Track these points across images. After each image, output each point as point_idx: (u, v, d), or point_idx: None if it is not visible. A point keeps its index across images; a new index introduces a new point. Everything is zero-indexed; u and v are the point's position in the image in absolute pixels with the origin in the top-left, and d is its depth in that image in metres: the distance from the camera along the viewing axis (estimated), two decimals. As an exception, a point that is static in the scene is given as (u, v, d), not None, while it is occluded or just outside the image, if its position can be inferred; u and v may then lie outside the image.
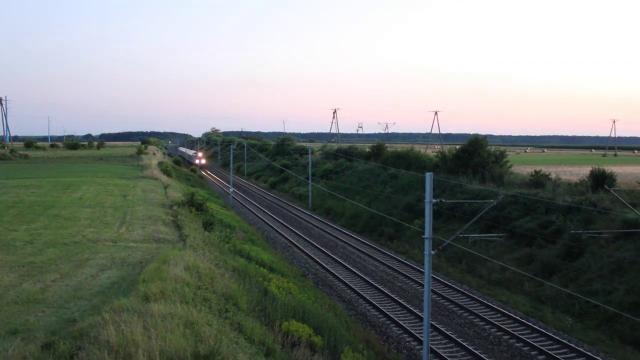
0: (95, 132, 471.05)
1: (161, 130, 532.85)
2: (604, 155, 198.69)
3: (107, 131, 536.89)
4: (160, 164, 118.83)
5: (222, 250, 38.56)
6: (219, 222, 53.40)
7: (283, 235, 61.33)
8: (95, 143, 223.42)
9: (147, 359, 15.43)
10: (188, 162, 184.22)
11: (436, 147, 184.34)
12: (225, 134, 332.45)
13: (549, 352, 29.51)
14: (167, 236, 39.94)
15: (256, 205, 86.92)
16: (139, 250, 34.43)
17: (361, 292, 40.09)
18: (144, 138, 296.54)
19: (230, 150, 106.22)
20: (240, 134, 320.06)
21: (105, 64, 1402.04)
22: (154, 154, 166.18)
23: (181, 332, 18.11)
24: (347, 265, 47.94)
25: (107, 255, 32.71)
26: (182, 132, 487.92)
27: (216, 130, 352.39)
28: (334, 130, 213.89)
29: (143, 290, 22.35)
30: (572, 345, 30.50)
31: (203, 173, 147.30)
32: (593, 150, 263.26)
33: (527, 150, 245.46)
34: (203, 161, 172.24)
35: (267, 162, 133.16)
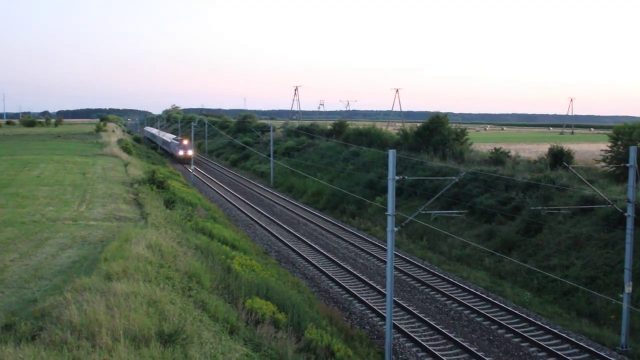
0: (53, 109, 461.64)
1: (120, 107, 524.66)
2: (561, 133, 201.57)
3: (64, 108, 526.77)
4: (120, 141, 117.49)
5: (184, 228, 38.36)
6: (180, 200, 53.04)
7: (245, 213, 61.21)
8: (53, 120, 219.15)
9: (111, 339, 15.32)
10: (163, 149, 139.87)
11: (397, 124, 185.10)
12: (186, 111, 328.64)
13: (509, 326, 30.06)
14: (128, 214, 39.58)
15: (218, 183, 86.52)
16: (99, 229, 34.08)
17: (324, 269, 40.29)
18: (103, 115, 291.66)
19: (191, 128, 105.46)
20: (201, 111, 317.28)
21: (62, 40, 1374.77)
22: (114, 131, 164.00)
23: (145, 311, 18.01)
24: (309, 243, 48.09)
25: (67, 234, 32.32)
26: (142, 109, 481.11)
27: (176, 107, 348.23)
28: (295, 108, 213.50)
29: (105, 269, 22.15)
30: (531, 319, 31.10)
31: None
32: (551, 128, 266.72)
33: (487, 128, 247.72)
34: (190, 152, 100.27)
35: (228, 139, 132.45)
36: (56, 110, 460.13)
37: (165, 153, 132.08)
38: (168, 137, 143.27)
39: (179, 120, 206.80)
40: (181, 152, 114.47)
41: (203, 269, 26.93)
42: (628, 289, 27.44)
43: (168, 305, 19.51)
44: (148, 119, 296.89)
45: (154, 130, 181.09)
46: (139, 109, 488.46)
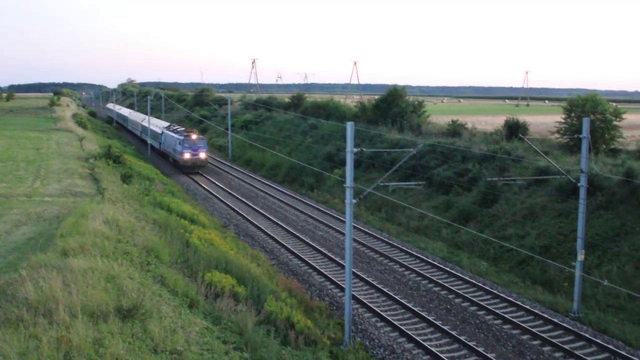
0: (3, 84, 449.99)
1: (75, 81, 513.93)
2: (517, 106, 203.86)
3: (16, 82, 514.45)
4: (74, 115, 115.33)
5: (141, 203, 38.04)
6: (137, 175, 52.53)
7: (203, 187, 60.84)
8: (4, 95, 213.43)
9: (69, 315, 15.19)
10: (143, 139, 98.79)
11: (355, 97, 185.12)
12: (142, 84, 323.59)
13: (465, 295, 30.57)
14: (84, 190, 39.05)
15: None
16: (55, 205, 33.58)
17: (283, 242, 40.35)
18: (57, 89, 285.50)
19: (148, 102, 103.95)
20: (158, 84, 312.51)
21: (12, 12, 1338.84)
22: (68, 105, 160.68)
23: (103, 286, 17.90)
24: (268, 216, 48.07)
25: (21, 211, 31.79)
26: (96, 83, 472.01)
27: (132, 81, 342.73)
28: (253, 81, 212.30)
29: (61, 245, 21.90)
30: (487, 287, 31.66)
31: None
32: (507, 100, 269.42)
33: (444, 101, 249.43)
34: (203, 154, 72.09)
35: (185, 113, 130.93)
36: (7, 84, 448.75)
37: (153, 149, 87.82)
38: (158, 125, 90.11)
39: (134, 93, 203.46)
40: (188, 155, 69.86)
41: (161, 244, 26.81)
42: (580, 257, 28.08)
43: (126, 280, 19.41)
44: (103, 92, 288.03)
45: (124, 110, 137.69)
46: (93, 82, 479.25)
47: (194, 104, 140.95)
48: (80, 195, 37.03)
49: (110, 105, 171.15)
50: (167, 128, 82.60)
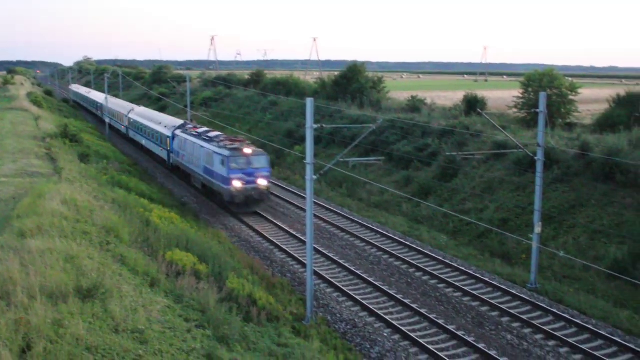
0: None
1: (28, 59, 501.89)
2: (476, 81, 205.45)
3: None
4: (29, 94, 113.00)
5: (100, 182, 37.59)
6: (95, 154, 51.83)
7: (163, 166, 60.26)
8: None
9: (27, 297, 15.00)
10: (138, 143, 70.04)
11: (315, 74, 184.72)
12: (99, 62, 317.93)
13: (426, 268, 30.95)
14: (40, 170, 38.39)
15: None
16: (11, 186, 32.96)
17: (244, 219, 40.27)
18: (10, 67, 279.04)
19: (105, 80, 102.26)
20: (115, 62, 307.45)
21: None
22: (22, 84, 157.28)
23: (61, 267, 17.69)
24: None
25: (-24, 192, 31.14)
26: (52, 61, 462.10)
27: (89, 59, 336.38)
28: (212, 58, 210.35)
29: (18, 226, 21.55)
30: (447, 261, 32.07)
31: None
32: (466, 76, 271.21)
33: (404, 77, 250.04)
34: (264, 180, 41.53)
35: (144, 90, 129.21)
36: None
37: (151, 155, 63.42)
38: (163, 122, 60.42)
39: (91, 72, 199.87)
40: (239, 183, 40.86)
41: (121, 223, 26.56)
42: (538, 229, 28.58)
43: (86, 260, 19.22)
44: (59, 71, 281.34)
45: (95, 95, 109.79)
46: (48, 60, 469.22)
47: (152, 82, 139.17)
48: (36, 175, 36.40)
49: (74, 87, 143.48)
50: (184, 130, 51.89)
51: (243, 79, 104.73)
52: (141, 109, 74.92)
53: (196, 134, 48.64)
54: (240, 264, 29.53)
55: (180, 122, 56.82)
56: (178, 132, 52.33)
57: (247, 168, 40.52)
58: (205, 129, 50.72)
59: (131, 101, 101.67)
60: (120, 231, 25.21)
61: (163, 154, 57.00)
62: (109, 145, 66.04)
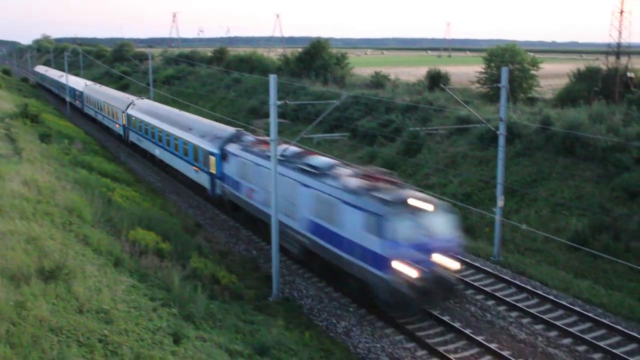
0: None
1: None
2: (439, 57, 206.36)
3: None
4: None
5: (62, 163, 37.08)
6: (56, 134, 51.03)
7: (125, 144, 59.58)
8: None
9: (-12, 278, 14.81)
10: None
11: (279, 50, 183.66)
12: (58, 40, 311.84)
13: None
14: (0, 150, 37.72)
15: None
16: (-31, 167, 32.34)
17: (209, 198, 40.08)
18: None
19: (64, 58, 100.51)
20: (75, 40, 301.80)
21: None
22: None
23: (23, 248, 17.49)
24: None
25: None
26: (8, 39, 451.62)
27: (48, 36, 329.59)
28: (174, 35, 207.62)
29: (-23, 207, 21.20)
30: (411, 236, 32.08)
31: None
32: (429, 51, 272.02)
33: (367, 53, 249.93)
34: (454, 263, 22.15)
35: (105, 69, 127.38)
36: None
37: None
38: (203, 128, 40.44)
39: (50, 50, 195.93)
40: (409, 268, 20.95)
41: (83, 203, 26.28)
42: (500, 202, 28.92)
43: (48, 241, 19.01)
44: (17, 49, 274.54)
45: (72, 81, 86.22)
46: (6, 39, 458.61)
47: (113, 60, 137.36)
48: (-5, 156, 35.76)
49: (41, 69, 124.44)
50: (244, 146, 33.89)
51: (206, 57, 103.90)
52: (145, 103, 55.71)
53: (281, 157, 26.75)
54: (205, 242, 29.45)
55: (229, 130, 37.51)
56: (233, 148, 34.10)
57: (423, 239, 21.68)
58: (289, 146, 27.94)
59: (94, 80, 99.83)
60: (82, 211, 24.95)
61: (202, 179, 38.25)
62: (71, 126, 65.02)
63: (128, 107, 55.14)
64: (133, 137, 53.56)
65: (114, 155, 53.78)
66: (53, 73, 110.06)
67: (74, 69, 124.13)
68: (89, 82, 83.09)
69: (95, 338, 13.49)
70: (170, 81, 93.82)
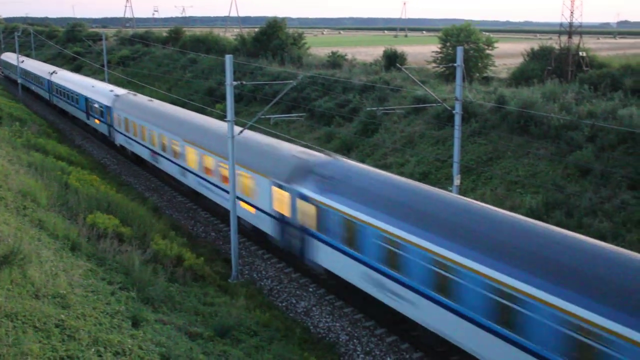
0: None
1: None
2: (395, 36, 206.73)
3: None
4: None
5: (14, 146, 36.40)
6: (8, 117, 49.99)
7: (81, 127, 58.68)
8: None
9: (-60, 264, 14.53)
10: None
11: (235, 30, 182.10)
12: (8, 20, 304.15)
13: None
14: (-51, 134, 36.89)
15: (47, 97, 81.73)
16: None
17: (167, 180, 39.79)
18: None
19: (15, 38, 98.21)
20: (25, 19, 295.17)
21: None
22: None
23: (-25, 233, 17.18)
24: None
25: None
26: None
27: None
28: (128, 15, 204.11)
29: None
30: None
31: None
32: (386, 31, 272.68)
33: (324, 32, 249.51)
34: None
35: (57, 50, 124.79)
36: None
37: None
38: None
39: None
40: None
41: (38, 187, 25.86)
42: (457, 181, 29.24)
43: (2, 226, 18.70)
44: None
45: (124, 101, 45.96)
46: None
47: (66, 40, 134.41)
48: (-55, 139, 34.98)
49: (5, 57, 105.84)
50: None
51: (161, 37, 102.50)
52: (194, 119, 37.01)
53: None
54: (166, 225, 29.28)
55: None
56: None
57: None
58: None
59: (43, 61, 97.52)
60: (37, 195, 24.56)
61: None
62: (23, 108, 63.71)
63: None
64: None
65: (68, 139, 52.92)
66: (38, 67, 79.78)
67: (25, 50, 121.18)
68: (117, 88, 51.46)
69: (52, 323, 13.36)
70: (125, 62, 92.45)
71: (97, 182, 32.70)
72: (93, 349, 12.83)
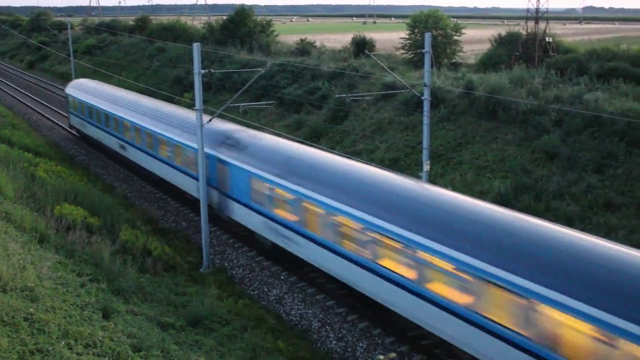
0: None
1: None
2: (364, 23, 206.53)
3: None
4: None
5: (-22, 138, 35.87)
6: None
7: (47, 118, 57.87)
8: None
9: None
10: None
11: (203, 18, 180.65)
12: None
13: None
14: None
15: (13, 87, 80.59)
16: None
17: (136, 170, 39.48)
18: None
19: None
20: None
21: None
22: None
23: (-61, 227, 16.90)
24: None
25: None
26: None
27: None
28: (94, 3, 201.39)
29: None
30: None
31: None
32: (354, 18, 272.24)
33: (293, 20, 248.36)
34: None
35: (21, 39, 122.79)
36: None
37: None
38: None
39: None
40: None
41: (4, 179, 25.51)
42: (426, 167, 29.37)
43: (-33, 219, 18.44)
44: None
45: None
46: None
47: (30, 29, 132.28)
48: None
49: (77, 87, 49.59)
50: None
51: (128, 26, 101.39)
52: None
53: None
54: (135, 216, 29.09)
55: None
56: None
57: None
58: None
59: (7, 50, 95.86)
60: (3, 187, 24.25)
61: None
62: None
63: None
64: None
65: (35, 129, 52.20)
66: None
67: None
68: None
69: (20, 317, 13.20)
70: (92, 51, 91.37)
71: (66, 174, 32.35)
72: (63, 342, 12.72)
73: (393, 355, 7.62)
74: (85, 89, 45.94)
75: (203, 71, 23.88)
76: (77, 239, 21.36)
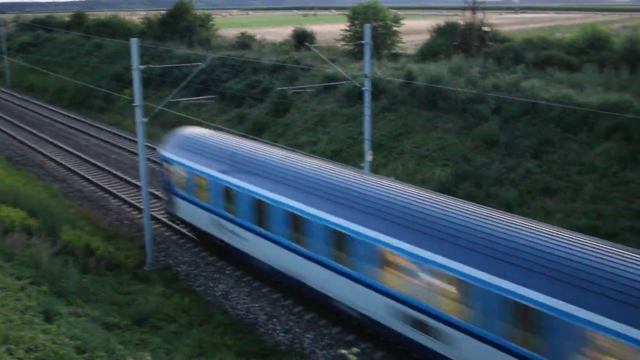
0: None
1: None
2: (305, 15, 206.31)
3: None
4: None
5: None
6: None
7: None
8: None
9: None
10: None
11: (142, 13, 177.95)
12: None
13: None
14: None
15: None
16: None
17: (75, 169, 38.79)
18: None
19: None
20: None
21: None
22: None
23: None
24: (57, 143, 45.72)
25: None
26: None
27: None
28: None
29: None
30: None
31: None
32: (295, 10, 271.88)
33: (233, 13, 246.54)
34: None
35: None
36: None
37: None
38: None
39: None
40: None
41: (-64, 182, 24.81)
42: (369, 157, 29.59)
43: None
44: None
45: None
46: None
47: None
48: None
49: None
50: None
51: (64, 22, 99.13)
52: None
53: None
54: (75, 216, 28.56)
55: None
56: None
57: None
58: None
59: None
60: (-64, 191, 23.58)
61: None
62: None
63: None
64: None
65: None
66: None
67: None
68: None
69: (-42, 323, 12.92)
70: (26, 48, 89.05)
71: (2, 175, 31.60)
72: (3, 347, 12.48)
73: (355, 350, 7.69)
74: (216, 151, 25.18)
75: (142, 67, 23.60)
76: (17, 241, 20.91)
